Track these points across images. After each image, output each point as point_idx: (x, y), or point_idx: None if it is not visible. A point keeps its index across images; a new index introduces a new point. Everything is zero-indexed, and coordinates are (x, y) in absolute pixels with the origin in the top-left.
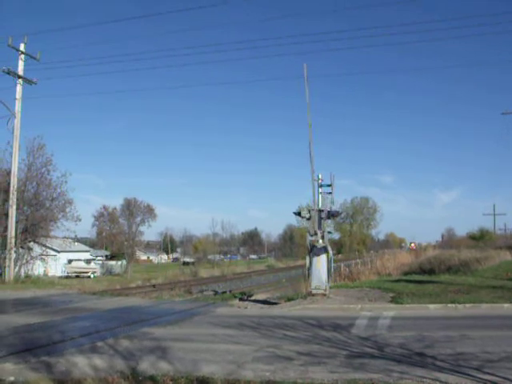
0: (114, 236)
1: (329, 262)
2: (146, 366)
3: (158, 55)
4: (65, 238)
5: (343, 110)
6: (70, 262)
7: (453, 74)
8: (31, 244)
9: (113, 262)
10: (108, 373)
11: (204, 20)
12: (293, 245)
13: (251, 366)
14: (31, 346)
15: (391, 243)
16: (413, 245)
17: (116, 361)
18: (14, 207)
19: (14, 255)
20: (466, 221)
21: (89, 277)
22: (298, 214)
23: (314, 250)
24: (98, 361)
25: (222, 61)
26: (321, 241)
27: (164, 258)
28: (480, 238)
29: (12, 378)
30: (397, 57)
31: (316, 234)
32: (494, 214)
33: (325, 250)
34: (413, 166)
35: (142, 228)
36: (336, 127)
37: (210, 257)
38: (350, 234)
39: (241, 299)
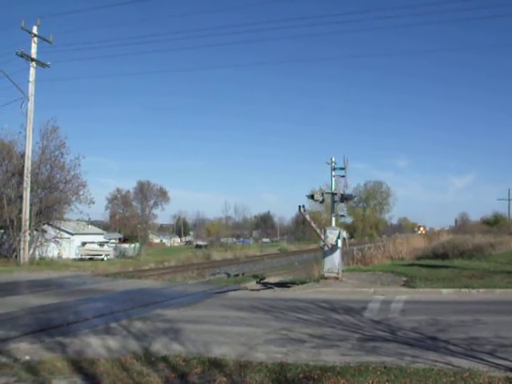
0: (127, 219)
1: (342, 244)
2: (158, 347)
3: (173, 37)
4: (78, 220)
5: (360, 95)
6: (83, 244)
7: (469, 59)
8: (45, 226)
9: (126, 245)
10: (121, 353)
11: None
12: (305, 228)
13: (263, 348)
14: (46, 327)
15: (404, 228)
16: (422, 228)
17: (129, 342)
18: (28, 190)
19: (28, 237)
20: (480, 206)
21: (102, 259)
22: (311, 197)
23: (326, 233)
24: (112, 341)
25: (242, 42)
26: (334, 223)
27: (177, 241)
28: (494, 224)
29: (27, 358)
30: (412, 40)
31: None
32: (509, 199)
33: (338, 232)
34: (428, 151)
35: (155, 211)
36: (354, 111)
37: (222, 240)
38: (363, 218)
39: (253, 282)
